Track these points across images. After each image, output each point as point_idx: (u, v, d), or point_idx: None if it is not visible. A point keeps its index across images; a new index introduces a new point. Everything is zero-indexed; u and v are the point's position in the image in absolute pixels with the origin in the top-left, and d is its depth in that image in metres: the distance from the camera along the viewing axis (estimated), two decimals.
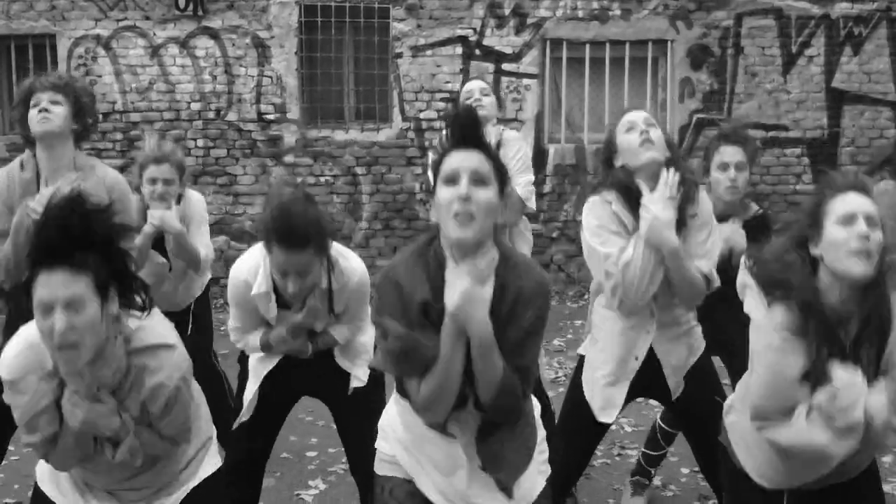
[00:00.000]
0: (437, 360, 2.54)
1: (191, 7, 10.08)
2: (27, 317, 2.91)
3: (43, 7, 10.02)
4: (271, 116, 10.32)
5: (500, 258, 2.62)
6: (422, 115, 10.38)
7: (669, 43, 10.50)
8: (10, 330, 4.01)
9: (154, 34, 10.14)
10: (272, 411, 3.99)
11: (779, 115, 10.57)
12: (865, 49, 10.53)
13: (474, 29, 10.31)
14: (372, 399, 3.88)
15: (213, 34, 10.16)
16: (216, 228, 9.94)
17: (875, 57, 10.53)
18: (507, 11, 10.29)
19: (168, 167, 4.80)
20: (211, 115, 10.30)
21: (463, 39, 10.31)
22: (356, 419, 3.92)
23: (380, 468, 2.93)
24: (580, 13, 10.32)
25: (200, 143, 10.27)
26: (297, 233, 3.34)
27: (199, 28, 10.16)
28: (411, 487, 2.85)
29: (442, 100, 10.33)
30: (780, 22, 10.46)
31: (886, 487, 4.48)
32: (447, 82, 10.29)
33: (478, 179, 2.54)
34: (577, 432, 3.92)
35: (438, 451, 2.77)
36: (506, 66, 10.36)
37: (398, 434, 2.88)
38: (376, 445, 2.96)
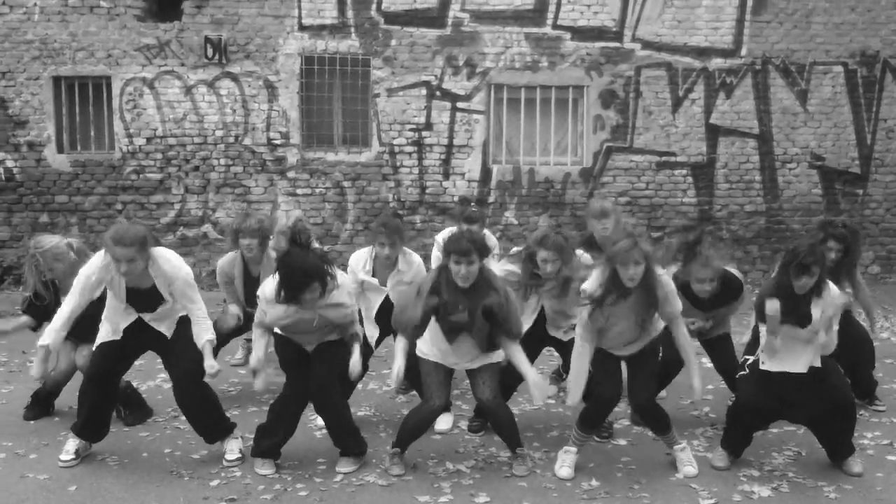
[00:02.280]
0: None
1: (216, 56, 11.90)
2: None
3: (101, 55, 11.92)
4: (278, 141, 12.13)
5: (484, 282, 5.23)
6: (394, 142, 12.19)
7: (585, 88, 12.24)
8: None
9: (188, 77, 12.00)
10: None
11: (669, 143, 12.29)
12: (735, 94, 12.27)
13: (435, 75, 12.09)
14: (337, 351, 5.56)
15: (234, 77, 12.01)
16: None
17: (743, 100, 12.28)
18: (461, 63, 12.07)
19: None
20: (231, 139, 12.13)
21: (427, 83, 12.10)
22: (319, 362, 5.51)
23: (422, 358, 5.52)
24: (517, 64, 12.13)
25: (223, 161, 12.14)
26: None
27: (222, 73, 12.01)
28: (435, 363, 5.48)
29: (410, 130, 12.15)
30: (670, 73, 12.21)
31: (865, 440, 5.98)
32: (414, 116, 12.12)
33: (469, 261, 5.13)
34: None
35: (443, 346, 5.41)
36: (460, 105, 12.14)
37: (426, 345, 5.49)
38: (417, 352, 5.50)
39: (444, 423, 6.36)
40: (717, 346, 6.39)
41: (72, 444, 5.68)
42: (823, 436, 5.56)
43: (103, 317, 5.65)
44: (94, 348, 5.65)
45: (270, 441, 5.57)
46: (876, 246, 12.59)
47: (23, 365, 8.04)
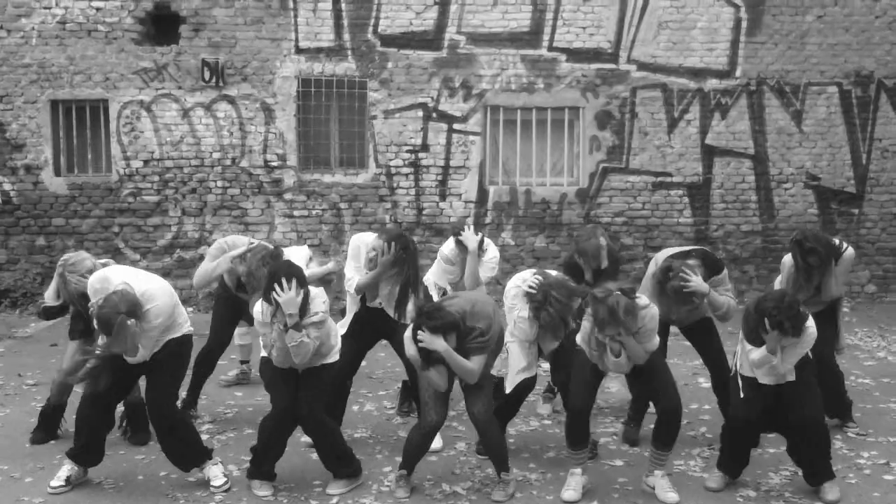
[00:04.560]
0: None
1: (213, 79, 11.92)
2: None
3: (99, 78, 11.96)
4: (275, 163, 12.14)
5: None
6: (391, 163, 12.20)
7: (581, 109, 12.25)
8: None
9: (185, 100, 12.01)
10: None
11: (665, 164, 12.30)
12: (731, 115, 12.27)
13: (432, 97, 12.10)
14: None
15: (231, 100, 12.03)
16: None
17: (738, 120, 12.28)
18: (457, 84, 12.10)
19: None
20: (228, 162, 12.13)
21: (423, 105, 12.11)
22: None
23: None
24: (513, 86, 12.16)
25: (220, 183, 12.13)
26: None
27: (219, 95, 12.02)
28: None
29: (407, 151, 12.16)
30: (666, 94, 12.21)
31: (861, 460, 6.06)
32: (411, 138, 12.13)
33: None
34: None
35: None
36: (456, 126, 12.15)
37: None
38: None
39: (436, 442, 6.34)
40: (697, 333, 6.46)
41: (65, 470, 5.64)
42: (796, 451, 5.55)
43: None
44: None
45: (265, 463, 5.57)
46: (872, 265, 12.62)
47: (19, 388, 8.04)
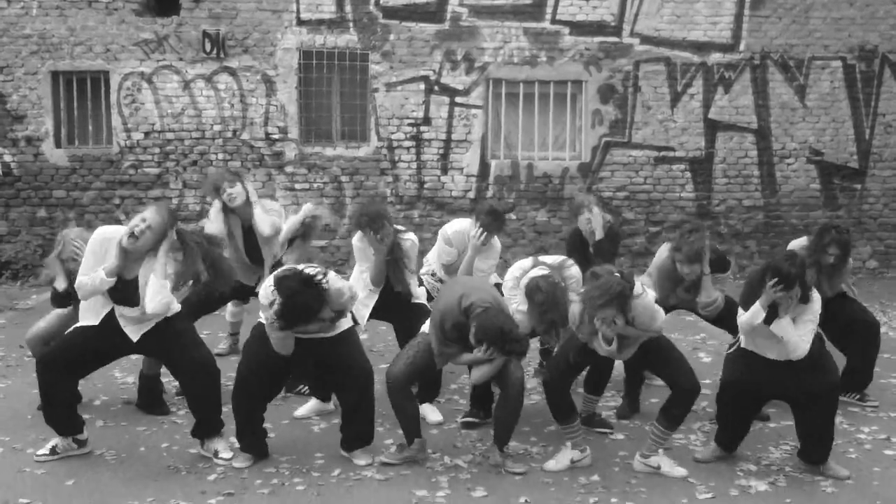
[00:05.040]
0: None
1: (214, 51, 11.90)
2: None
3: (99, 49, 11.91)
4: (276, 136, 12.13)
5: None
6: (392, 137, 12.20)
7: (584, 83, 12.26)
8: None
9: (186, 72, 11.98)
10: None
11: (667, 139, 12.29)
12: (734, 89, 12.27)
13: (434, 70, 12.09)
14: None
15: (232, 72, 12.00)
16: None
17: (741, 95, 12.29)
18: (459, 57, 12.08)
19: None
20: (229, 134, 12.12)
21: (425, 78, 12.10)
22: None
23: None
24: (515, 59, 12.14)
25: (220, 156, 12.10)
26: None
27: (220, 67, 11.99)
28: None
29: (409, 125, 12.16)
30: (669, 67, 12.22)
31: (862, 435, 5.99)
32: (413, 111, 12.13)
33: None
34: None
35: None
36: (458, 99, 12.14)
37: None
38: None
39: (435, 415, 6.40)
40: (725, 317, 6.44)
41: (53, 440, 5.64)
42: (802, 422, 5.46)
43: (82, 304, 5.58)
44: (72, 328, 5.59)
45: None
46: (874, 241, 12.62)
47: (20, 359, 8.05)
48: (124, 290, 5.37)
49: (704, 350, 8.45)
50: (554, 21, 12.17)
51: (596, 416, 6.26)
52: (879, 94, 12.48)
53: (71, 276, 6.07)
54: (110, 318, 5.47)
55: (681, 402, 5.42)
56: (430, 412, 6.41)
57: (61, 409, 5.57)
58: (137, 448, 5.86)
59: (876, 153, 12.61)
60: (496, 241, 6.89)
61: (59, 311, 6.60)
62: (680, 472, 5.41)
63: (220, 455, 5.62)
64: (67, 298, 6.39)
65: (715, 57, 12.31)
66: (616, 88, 12.32)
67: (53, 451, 5.60)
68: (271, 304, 5.11)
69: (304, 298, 5.01)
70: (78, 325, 5.57)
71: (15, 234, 12.20)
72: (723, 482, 5.32)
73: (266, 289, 5.22)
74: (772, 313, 5.17)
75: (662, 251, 6.43)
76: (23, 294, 11.13)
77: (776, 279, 5.03)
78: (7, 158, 12.13)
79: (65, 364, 5.45)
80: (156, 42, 11.97)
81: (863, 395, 6.84)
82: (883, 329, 9.15)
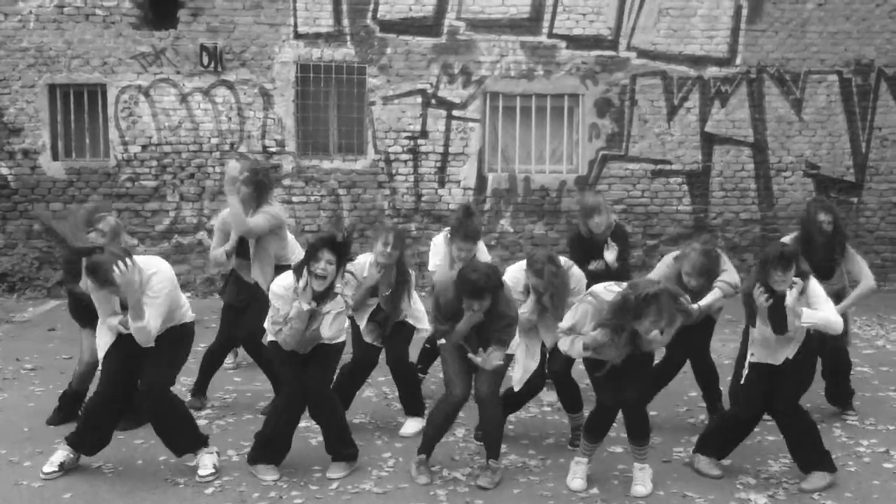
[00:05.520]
0: None
1: (212, 64, 11.88)
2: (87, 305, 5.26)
3: (96, 63, 11.90)
4: (273, 149, 12.11)
5: None
6: (390, 150, 12.18)
7: (581, 96, 12.24)
8: (75, 312, 6.21)
9: (183, 85, 11.97)
10: None
11: (664, 152, 12.29)
12: (730, 102, 12.28)
13: (431, 83, 12.09)
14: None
15: (229, 85, 12.00)
16: None
17: (738, 108, 12.29)
18: (456, 70, 12.08)
19: None
20: (226, 147, 12.08)
21: (422, 91, 12.09)
22: None
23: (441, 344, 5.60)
24: (512, 73, 12.14)
25: (218, 169, 11.97)
26: None
27: (218, 80, 11.98)
28: (455, 347, 5.51)
29: (406, 138, 12.14)
30: (665, 81, 12.21)
31: (861, 448, 5.98)
32: (410, 124, 12.12)
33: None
34: None
35: None
36: (455, 113, 12.14)
37: None
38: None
39: (410, 427, 6.46)
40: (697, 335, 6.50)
41: (59, 455, 5.61)
42: (784, 431, 5.57)
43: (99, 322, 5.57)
44: (102, 358, 5.55)
45: (272, 447, 5.57)
46: (871, 254, 12.57)
47: (17, 372, 8.03)
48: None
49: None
50: (551, 35, 12.18)
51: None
52: (875, 108, 12.48)
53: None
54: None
55: (627, 416, 5.48)
56: (409, 425, 6.53)
57: (98, 434, 5.60)
58: (135, 461, 5.84)
59: (872, 167, 12.62)
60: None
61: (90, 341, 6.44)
62: (639, 490, 5.39)
63: (198, 472, 5.57)
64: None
65: (711, 71, 12.33)
66: (613, 102, 12.33)
67: (62, 466, 5.57)
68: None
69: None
70: (109, 351, 5.51)
71: (12, 246, 12.17)
72: (722, 495, 5.31)
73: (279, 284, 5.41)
74: (778, 316, 5.26)
75: (668, 259, 6.44)
76: (19, 307, 11.10)
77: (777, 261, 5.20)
78: (4, 171, 12.11)
79: (114, 396, 5.50)
80: (153, 55, 11.96)
81: (846, 407, 6.91)
82: (881, 342, 9.25)
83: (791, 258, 5.22)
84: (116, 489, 5.37)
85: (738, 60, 12.30)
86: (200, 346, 7.03)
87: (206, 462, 5.60)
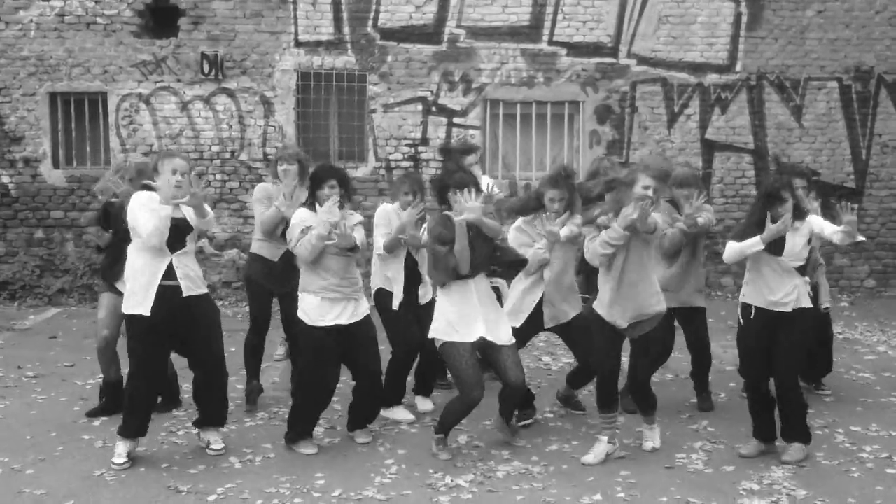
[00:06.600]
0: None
1: (212, 72, 11.91)
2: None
3: (97, 71, 11.93)
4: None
5: None
6: (390, 157, 12.18)
7: (581, 103, 12.26)
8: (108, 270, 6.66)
9: (184, 93, 11.99)
10: None
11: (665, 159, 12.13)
12: (731, 109, 12.29)
13: (431, 91, 12.10)
14: None
15: (230, 93, 12.01)
16: (230, 243, 12.01)
17: (738, 115, 12.30)
18: (456, 78, 12.10)
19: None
20: (227, 155, 12.12)
21: (423, 99, 12.10)
22: None
23: (446, 345, 5.70)
24: (513, 80, 12.15)
25: (218, 177, 12.10)
26: None
27: (218, 88, 12.00)
28: (461, 345, 5.63)
29: (407, 145, 12.15)
30: (666, 88, 12.23)
31: (864, 454, 5.93)
32: (410, 132, 12.13)
33: None
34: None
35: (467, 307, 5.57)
36: (456, 120, 12.14)
37: (449, 317, 5.64)
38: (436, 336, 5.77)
39: (401, 414, 6.80)
40: (693, 319, 6.92)
41: (121, 447, 5.82)
42: (780, 403, 5.93)
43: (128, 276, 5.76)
44: (129, 339, 5.74)
45: (306, 424, 6.02)
46: (872, 260, 12.62)
47: (19, 380, 8.03)
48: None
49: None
50: (551, 42, 12.19)
51: (573, 398, 6.91)
52: (876, 115, 12.49)
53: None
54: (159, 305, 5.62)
55: (589, 375, 6.34)
56: (399, 412, 6.84)
57: (149, 411, 5.94)
58: (137, 468, 5.82)
59: (873, 173, 12.62)
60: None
61: (108, 312, 6.70)
62: (587, 459, 5.84)
63: (211, 446, 5.97)
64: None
65: (711, 78, 12.34)
66: (613, 109, 12.34)
67: (129, 455, 5.83)
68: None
69: None
70: (140, 326, 5.66)
71: (13, 254, 12.17)
72: (725, 500, 5.30)
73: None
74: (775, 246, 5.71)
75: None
76: (20, 315, 11.10)
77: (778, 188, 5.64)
78: (5, 179, 12.12)
79: (154, 372, 5.85)
80: (154, 63, 11.98)
81: (818, 384, 7.42)
82: (882, 348, 9.25)
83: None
84: (119, 497, 5.36)
85: (738, 67, 12.30)
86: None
87: (216, 438, 6.06)
